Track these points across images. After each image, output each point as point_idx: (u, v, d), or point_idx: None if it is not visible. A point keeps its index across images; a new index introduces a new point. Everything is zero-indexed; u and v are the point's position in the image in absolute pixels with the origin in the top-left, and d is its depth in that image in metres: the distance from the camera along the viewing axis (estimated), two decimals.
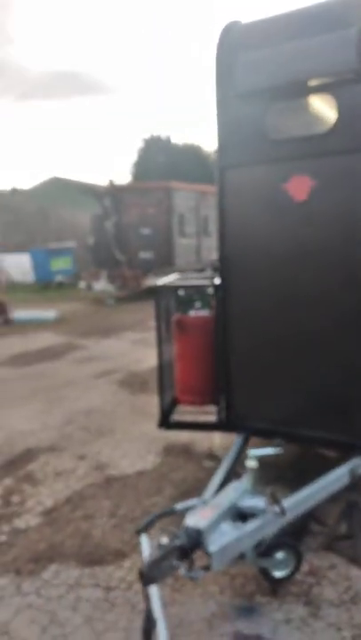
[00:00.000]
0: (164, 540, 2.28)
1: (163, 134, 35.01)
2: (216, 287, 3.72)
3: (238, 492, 2.67)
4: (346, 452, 3.35)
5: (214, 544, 2.39)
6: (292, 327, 3.45)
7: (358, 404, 3.26)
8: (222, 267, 3.65)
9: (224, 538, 2.44)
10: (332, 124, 3.14)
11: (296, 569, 2.81)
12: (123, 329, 10.38)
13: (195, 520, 2.42)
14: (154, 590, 2.39)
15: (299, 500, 2.82)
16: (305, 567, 2.95)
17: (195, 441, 4.69)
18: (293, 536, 2.98)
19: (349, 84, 3.05)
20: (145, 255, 14.86)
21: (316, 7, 3.27)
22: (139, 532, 2.63)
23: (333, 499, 3.15)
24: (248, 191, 3.50)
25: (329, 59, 3.06)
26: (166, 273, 5.10)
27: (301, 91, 3.26)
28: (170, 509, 2.73)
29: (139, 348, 8.54)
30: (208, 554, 2.38)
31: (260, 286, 3.53)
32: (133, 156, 35.41)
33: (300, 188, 3.28)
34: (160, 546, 2.27)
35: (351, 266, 3.16)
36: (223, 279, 3.66)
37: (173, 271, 5.69)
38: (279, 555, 2.72)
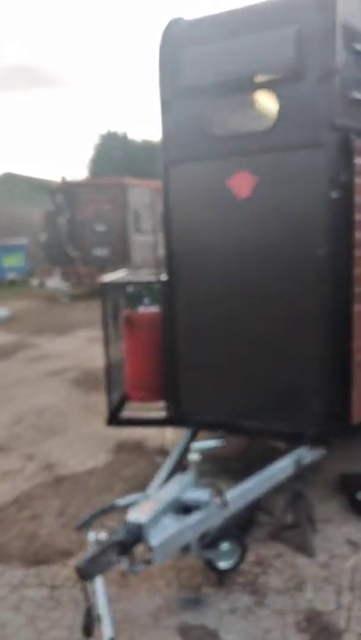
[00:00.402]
0: (102, 535, 2.28)
1: (120, 130, 34.70)
2: (162, 284, 3.73)
3: (182, 486, 2.69)
4: (291, 443, 3.42)
5: (155, 538, 2.40)
6: (237, 322, 3.49)
7: (302, 396, 3.34)
8: (168, 263, 3.66)
9: (165, 531, 2.45)
10: (273, 121, 3.19)
11: (241, 559, 2.85)
12: (77, 327, 10.26)
13: (135, 515, 2.43)
14: (99, 586, 2.39)
15: (242, 492, 2.87)
16: (252, 557, 3.00)
17: (147, 438, 4.69)
18: (239, 527, 3.02)
19: (290, 82, 3.11)
20: (100, 252, 14.72)
21: (259, 5, 3.31)
22: (79, 530, 2.62)
23: (280, 489, 3.22)
24: (193, 187, 3.52)
25: (270, 56, 3.12)
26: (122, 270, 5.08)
27: (244, 87, 3.30)
28: (111, 505, 2.73)
29: (93, 346, 8.45)
30: (149, 548, 2.39)
31: (205, 283, 3.57)
32: (90, 152, 35.02)
33: (243, 184, 3.32)
34: (98, 542, 2.27)
35: (293, 262, 3.23)
36: (169, 275, 3.67)
37: (129, 268, 5.68)
38: (224, 546, 2.75)
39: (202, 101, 3.40)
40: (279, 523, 3.24)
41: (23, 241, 17.92)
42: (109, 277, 4.06)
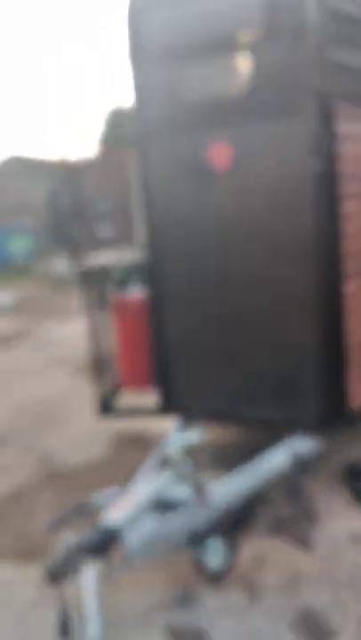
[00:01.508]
0: (71, 538, 2.18)
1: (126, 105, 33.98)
2: (146, 265, 3.55)
3: (162, 482, 2.56)
4: (288, 431, 3.26)
5: (133, 539, 2.29)
6: (225, 305, 3.32)
7: (297, 381, 3.17)
8: (150, 243, 3.47)
9: (144, 532, 2.33)
10: (247, 86, 2.95)
11: (233, 557, 2.73)
12: (82, 312, 10.13)
13: (111, 514, 2.31)
14: (89, 584, 2.29)
15: (229, 487, 2.73)
16: (247, 552, 2.88)
17: (149, 427, 4.56)
18: (232, 523, 2.89)
19: (263, 42, 2.87)
20: (104, 231, 14.55)
21: None
22: (48, 531, 2.52)
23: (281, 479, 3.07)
24: (171, 159, 3.31)
25: (240, 15, 2.89)
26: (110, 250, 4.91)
27: (215, 50, 3.06)
28: (84, 503, 2.60)
29: (104, 331, 8.33)
30: (126, 549, 2.28)
31: (190, 263, 3.38)
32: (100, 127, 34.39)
33: (220, 156, 3.11)
34: (69, 543, 2.17)
35: (277, 241, 3.03)
36: (152, 256, 3.49)
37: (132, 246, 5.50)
38: (212, 543, 2.63)
39: (173, 67, 3.17)
40: (277, 516, 3.11)
41: (28, 223, 17.79)
42: (91, 262, 3.90)
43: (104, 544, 2.24)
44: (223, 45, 3.03)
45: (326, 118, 2.85)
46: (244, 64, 3.01)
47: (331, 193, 2.90)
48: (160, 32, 3.16)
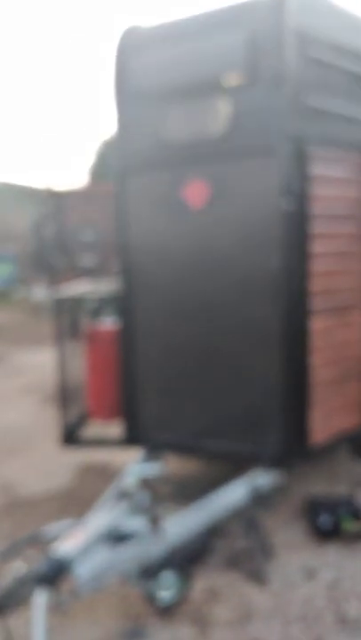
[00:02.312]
0: (21, 567, 2.14)
1: None
2: (119, 297, 3.60)
3: (119, 513, 2.54)
4: (249, 465, 3.27)
5: (82, 570, 2.25)
6: (193, 338, 3.36)
7: (260, 416, 3.20)
8: (124, 276, 3.53)
9: (94, 563, 2.30)
10: (226, 129, 3.08)
11: (185, 590, 2.69)
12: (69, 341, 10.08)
13: (63, 545, 2.28)
14: (38, 614, 2.23)
15: (185, 520, 2.71)
16: (201, 585, 2.85)
17: (114, 460, 4.51)
18: (186, 556, 2.86)
19: (243, 88, 3.01)
20: (88, 261, 14.60)
21: (213, 11, 3.22)
22: (1, 558, 2.45)
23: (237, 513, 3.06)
24: (148, 197, 3.41)
25: (222, 62, 3.03)
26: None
27: (197, 93, 3.20)
28: (36, 534, 2.56)
29: (72, 361, 8.30)
30: (76, 580, 2.24)
31: (161, 297, 3.44)
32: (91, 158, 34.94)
33: (197, 194, 3.21)
34: (17, 573, 2.13)
35: (248, 277, 3.10)
36: (125, 288, 3.54)
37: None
38: (165, 576, 2.60)
39: (156, 108, 3.29)
40: (232, 549, 3.09)
41: (12, 250, 17.79)
42: (65, 291, 3.94)
43: (54, 574, 2.20)
44: (205, 88, 3.16)
45: (299, 161, 2.97)
46: (223, 107, 3.14)
47: (301, 232, 3.00)
48: (145, 72, 3.30)
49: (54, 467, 4.49)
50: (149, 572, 2.53)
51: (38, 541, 2.47)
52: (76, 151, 33.21)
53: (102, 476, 4.26)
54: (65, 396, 3.81)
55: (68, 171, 29.24)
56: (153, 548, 2.52)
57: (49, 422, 5.56)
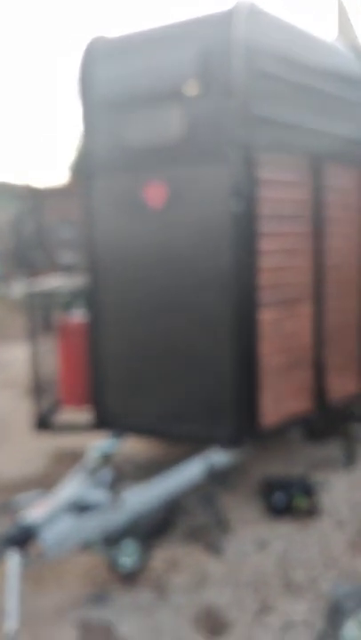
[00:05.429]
0: None
1: None
2: (86, 291, 3.84)
3: (82, 486, 2.80)
4: (208, 445, 3.55)
5: (48, 535, 2.51)
6: (155, 330, 3.61)
7: (214, 400, 3.47)
8: (90, 272, 3.77)
9: (59, 530, 2.56)
10: (181, 136, 3.33)
11: (146, 559, 2.96)
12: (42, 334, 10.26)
13: (29, 512, 2.54)
14: (11, 580, 2.47)
15: (144, 493, 2.98)
16: (161, 556, 3.12)
17: (87, 446, 4.74)
18: (148, 527, 3.13)
19: (195, 98, 3.26)
20: (67, 258, 14.76)
21: (169, 26, 3.47)
22: None
23: (196, 489, 3.34)
24: (111, 197, 3.65)
25: (175, 74, 3.28)
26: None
27: (155, 102, 3.44)
28: (7, 503, 2.83)
29: (51, 355, 8.49)
30: (42, 544, 2.51)
31: (126, 292, 3.68)
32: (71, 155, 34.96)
33: (156, 196, 3.46)
34: None
35: (201, 272, 3.36)
36: (92, 283, 3.79)
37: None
38: (126, 544, 2.87)
39: (117, 114, 3.53)
40: (192, 524, 3.36)
41: None
42: (38, 286, 4.17)
43: (22, 538, 2.46)
44: (162, 98, 3.41)
45: (248, 166, 3.23)
46: (179, 115, 3.39)
47: (250, 231, 3.26)
48: (107, 82, 3.53)
49: (31, 454, 4.72)
50: (112, 540, 2.80)
51: (8, 510, 2.72)
52: (57, 148, 33.25)
53: (76, 461, 4.49)
54: (38, 384, 4.04)
55: (49, 168, 29.31)
56: (114, 517, 2.78)
57: (24, 414, 5.78)
